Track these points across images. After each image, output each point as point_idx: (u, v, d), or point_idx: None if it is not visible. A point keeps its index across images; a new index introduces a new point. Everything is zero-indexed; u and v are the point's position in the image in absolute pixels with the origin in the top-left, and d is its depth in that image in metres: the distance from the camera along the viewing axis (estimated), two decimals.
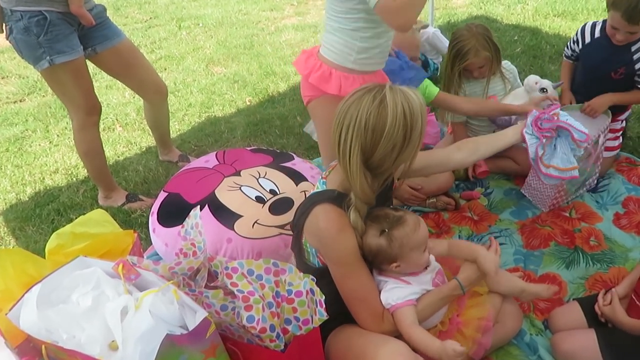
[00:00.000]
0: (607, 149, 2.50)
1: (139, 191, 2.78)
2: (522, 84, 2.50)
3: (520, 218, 2.34)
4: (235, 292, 1.31)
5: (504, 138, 1.81)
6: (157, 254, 2.24)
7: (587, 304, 1.76)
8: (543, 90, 2.37)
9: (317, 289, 1.35)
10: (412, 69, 2.24)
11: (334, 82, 1.86)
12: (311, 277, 1.39)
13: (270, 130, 3.20)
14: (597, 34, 2.38)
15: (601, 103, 2.32)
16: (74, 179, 2.97)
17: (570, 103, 2.53)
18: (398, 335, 1.47)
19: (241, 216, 2.08)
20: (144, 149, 3.18)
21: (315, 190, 1.58)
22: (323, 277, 1.49)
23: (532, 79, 2.42)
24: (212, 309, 1.39)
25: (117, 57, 2.47)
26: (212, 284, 1.55)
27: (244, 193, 2.16)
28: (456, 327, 1.55)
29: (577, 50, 2.49)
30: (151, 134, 3.03)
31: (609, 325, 1.68)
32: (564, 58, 2.61)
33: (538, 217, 2.33)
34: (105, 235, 1.69)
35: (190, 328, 1.28)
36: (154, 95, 2.65)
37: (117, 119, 3.52)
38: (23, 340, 1.34)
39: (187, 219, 1.72)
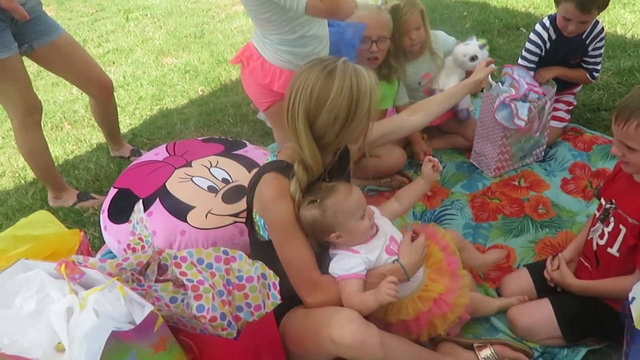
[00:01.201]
0: (557, 119, 2.58)
1: (91, 189, 2.72)
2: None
3: (471, 190, 2.39)
4: (185, 282, 1.29)
5: (455, 93, 1.86)
6: (112, 252, 2.19)
7: (536, 270, 1.82)
8: (474, 58, 2.38)
9: (269, 273, 1.34)
10: (348, 27, 2.20)
11: None
12: (260, 262, 1.39)
13: (224, 119, 3.16)
14: (553, 33, 2.41)
15: (548, 71, 2.41)
16: (22, 181, 2.88)
17: None
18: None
19: (194, 207, 2.05)
20: (94, 146, 3.10)
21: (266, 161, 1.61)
22: (272, 251, 1.50)
23: (459, 51, 2.41)
24: (161, 302, 1.38)
25: (56, 53, 2.39)
26: (162, 278, 1.53)
27: (195, 184, 2.13)
28: (444, 308, 1.56)
29: (542, 52, 2.47)
30: (100, 130, 2.95)
31: (558, 289, 1.73)
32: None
33: (488, 188, 2.38)
34: (49, 236, 1.65)
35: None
36: (98, 90, 2.58)
37: (65, 117, 3.42)
38: None
39: (132, 214, 1.69)
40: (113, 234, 2.10)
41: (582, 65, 2.50)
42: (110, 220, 2.12)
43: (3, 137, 3.30)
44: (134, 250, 1.59)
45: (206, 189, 2.12)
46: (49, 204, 2.62)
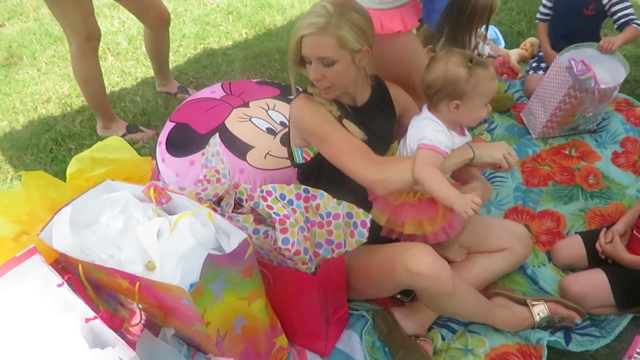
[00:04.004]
0: None
1: (139, 122, 2.73)
2: None
3: (521, 156, 2.39)
4: (272, 215, 1.33)
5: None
6: None
7: (588, 239, 1.84)
8: None
9: (357, 211, 1.35)
10: None
11: (375, 22, 1.80)
12: (348, 202, 1.38)
13: (270, 64, 3.14)
14: None
15: (614, 39, 2.37)
16: (69, 108, 2.89)
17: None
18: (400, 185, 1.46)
19: (253, 147, 2.07)
20: (139, 80, 3.10)
21: None
22: (308, 174, 1.59)
23: None
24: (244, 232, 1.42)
25: None
26: (238, 211, 1.57)
27: (254, 124, 2.14)
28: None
29: (549, 3, 2.67)
30: (149, 63, 2.94)
31: (609, 261, 1.76)
32: (538, 22, 2.77)
33: (538, 155, 2.39)
34: (124, 161, 1.67)
35: (226, 250, 1.31)
36: (156, 21, 2.55)
37: (108, 48, 3.39)
38: (53, 261, 1.35)
39: (207, 147, 1.72)
40: (171, 167, 2.12)
41: (614, 19, 2.48)
42: (169, 152, 2.14)
43: (46, 63, 3.28)
44: (208, 181, 1.63)
45: (265, 130, 2.13)
46: (98, 133, 2.64)
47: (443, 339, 1.67)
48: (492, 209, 2.14)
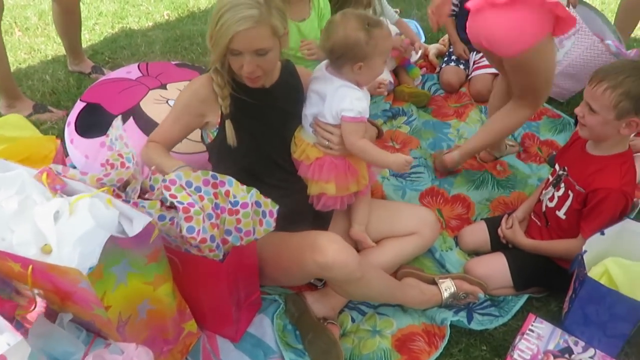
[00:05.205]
0: (483, 67, 2.79)
1: (48, 102, 2.58)
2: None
3: (436, 149, 2.48)
4: (175, 204, 1.29)
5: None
6: (75, 167, 2.12)
7: (492, 225, 1.96)
8: None
9: (265, 201, 1.36)
10: None
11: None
12: (256, 190, 1.39)
13: (192, 48, 3.06)
14: None
15: None
16: None
17: (464, 52, 2.89)
18: None
19: None
20: (49, 58, 2.92)
21: None
22: (215, 154, 1.65)
23: None
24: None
25: None
26: (145, 197, 1.51)
27: (171, 107, 2.08)
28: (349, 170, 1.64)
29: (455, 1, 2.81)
30: (59, 41, 2.77)
31: (510, 246, 1.89)
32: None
33: (450, 150, 2.48)
34: (24, 140, 1.58)
35: (130, 234, 1.26)
36: None
37: (15, 23, 3.18)
38: None
39: (110, 129, 1.64)
40: (80, 148, 2.03)
41: None
42: (78, 133, 2.04)
43: None
44: (112, 166, 1.55)
45: None
46: (0, 112, 2.47)
47: (353, 321, 1.72)
48: (407, 191, 2.22)
